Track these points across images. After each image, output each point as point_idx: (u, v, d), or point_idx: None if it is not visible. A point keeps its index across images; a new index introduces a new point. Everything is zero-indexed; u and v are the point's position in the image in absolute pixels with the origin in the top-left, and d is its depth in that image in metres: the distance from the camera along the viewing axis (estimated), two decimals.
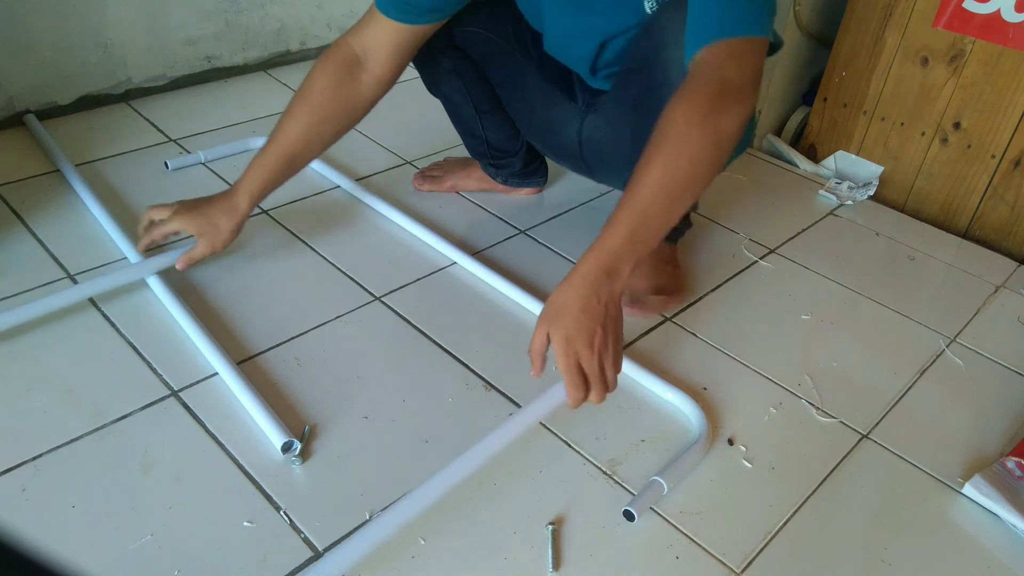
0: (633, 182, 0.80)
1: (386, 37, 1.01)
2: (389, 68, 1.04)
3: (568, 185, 1.47)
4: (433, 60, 1.17)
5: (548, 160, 1.41)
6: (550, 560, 0.81)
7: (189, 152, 1.48)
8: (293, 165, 1.07)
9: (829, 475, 0.95)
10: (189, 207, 1.08)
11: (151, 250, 1.16)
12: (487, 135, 1.29)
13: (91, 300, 1.09)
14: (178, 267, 1.08)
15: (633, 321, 1.16)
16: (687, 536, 0.85)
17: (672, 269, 1.21)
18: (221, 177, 1.41)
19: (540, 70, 1.16)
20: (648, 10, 0.97)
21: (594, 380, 0.79)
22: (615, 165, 1.17)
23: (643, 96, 0.99)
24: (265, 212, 1.33)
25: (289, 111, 1.04)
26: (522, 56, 1.16)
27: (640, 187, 0.79)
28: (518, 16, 1.12)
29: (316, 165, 1.45)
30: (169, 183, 1.38)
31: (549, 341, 0.79)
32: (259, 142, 1.50)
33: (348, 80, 1.02)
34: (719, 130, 0.78)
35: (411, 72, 1.92)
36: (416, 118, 1.69)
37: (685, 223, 1.20)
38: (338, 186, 1.41)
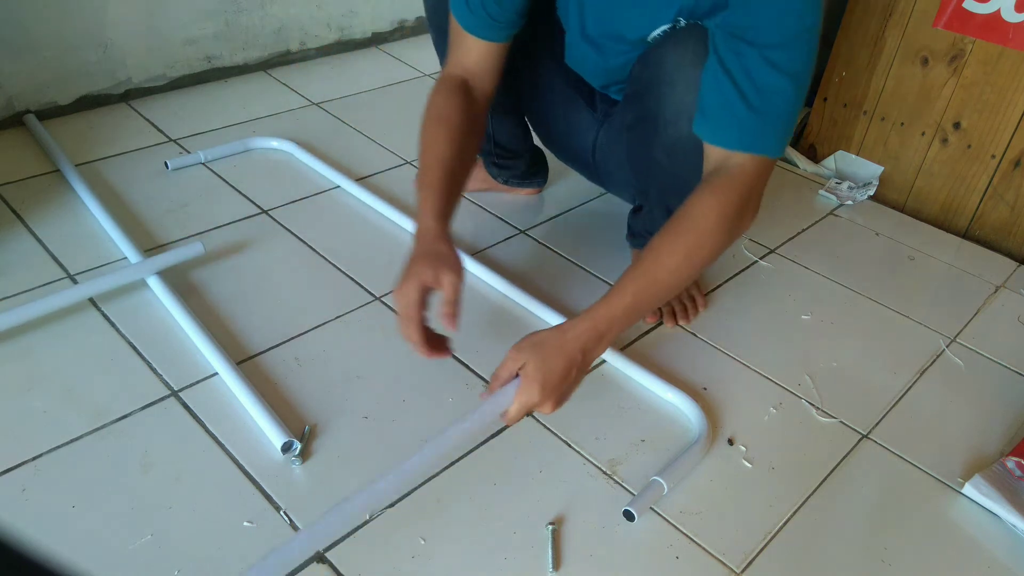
0: (651, 259, 0.85)
1: (482, 56, 1.02)
2: (492, 83, 1.05)
3: (568, 185, 1.47)
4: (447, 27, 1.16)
5: (549, 161, 1.41)
6: (550, 560, 0.81)
7: (189, 152, 1.48)
8: (456, 181, 0.97)
9: (829, 475, 0.95)
10: (409, 267, 0.88)
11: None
12: (496, 135, 1.30)
13: (91, 300, 1.09)
14: (452, 327, 0.86)
15: None
16: (687, 536, 0.85)
17: None
18: (221, 177, 1.41)
19: (566, 76, 1.16)
20: (650, 39, 0.98)
21: (517, 420, 0.82)
22: (620, 178, 1.19)
23: (636, 123, 1.04)
24: (265, 212, 1.33)
25: (427, 137, 0.99)
26: (552, 60, 1.16)
27: (657, 266, 0.85)
28: (555, 21, 1.12)
29: (316, 165, 1.45)
30: (169, 183, 1.38)
31: (517, 374, 0.81)
32: (259, 142, 1.51)
33: (467, 98, 1.02)
34: (736, 234, 0.87)
35: (411, 72, 1.92)
36: (416, 118, 1.68)
37: None
38: (338, 186, 1.41)
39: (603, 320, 0.83)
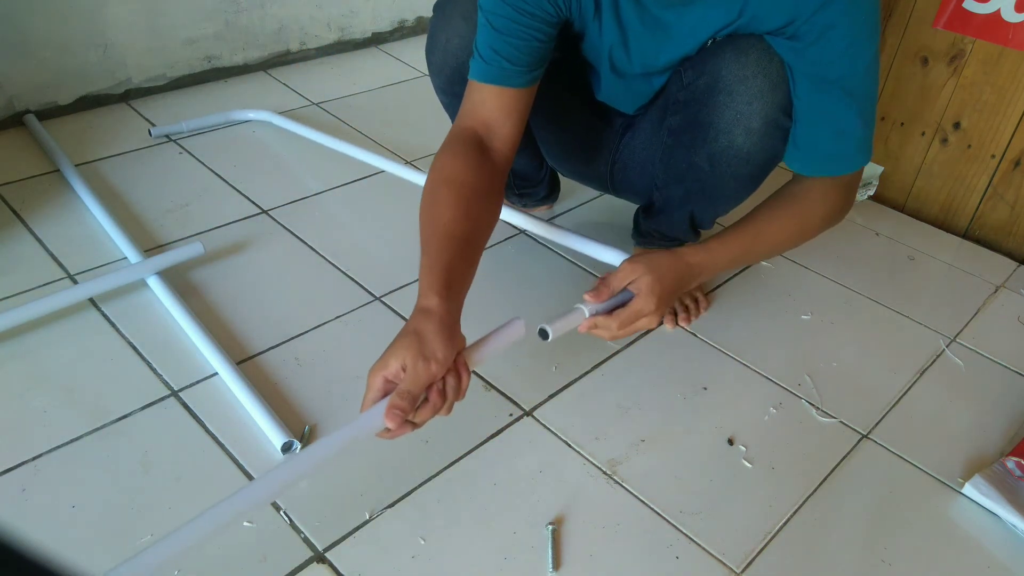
0: (761, 224, 0.95)
1: (501, 103, 0.92)
2: (513, 132, 0.94)
3: (567, 186, 1.47)
4: (462, 94, 1.06)
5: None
6: (550, 560, 0.81)
7: (189, 152, 1.48)
8: (466, 250, 0.83)
9: (829, 475, 0.95)
10: (387, 349, 0.77)
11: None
12: (516, 167, 1.25)
13: (91, 300, 1.09)
14: (390, 424, 0.72)
15: None
16: (687, 536, 0.85)
17: None
18: (221, 177, 1.41)
19: (582, 103, 1.13)
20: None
21: (629, 333, 0.88)
22: (639, 184, 1.17)
23: (683, 129, 1.02)
24: (265, 212, 1.33)
25: (429, 201, 0.86)
26: (567, 90, 1.13)
27: (766, 233, 0.95)
28: (570, 56, 1.08)
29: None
30: (169, 183, 1.38)
31: (624, 286, 0.87)
32: (242, 115, 1.54)
33: (481, 155, 0.91)
34: (831, 226, 0.99)
35: (411, 72, 1.92)
36: (416, 118, 1.69)
37: (696, 234, 1.21)
38: (338, 186, 1.41)
39: (708, 260, 0.92)
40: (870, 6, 0.83)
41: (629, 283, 0.87)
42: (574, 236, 1.23)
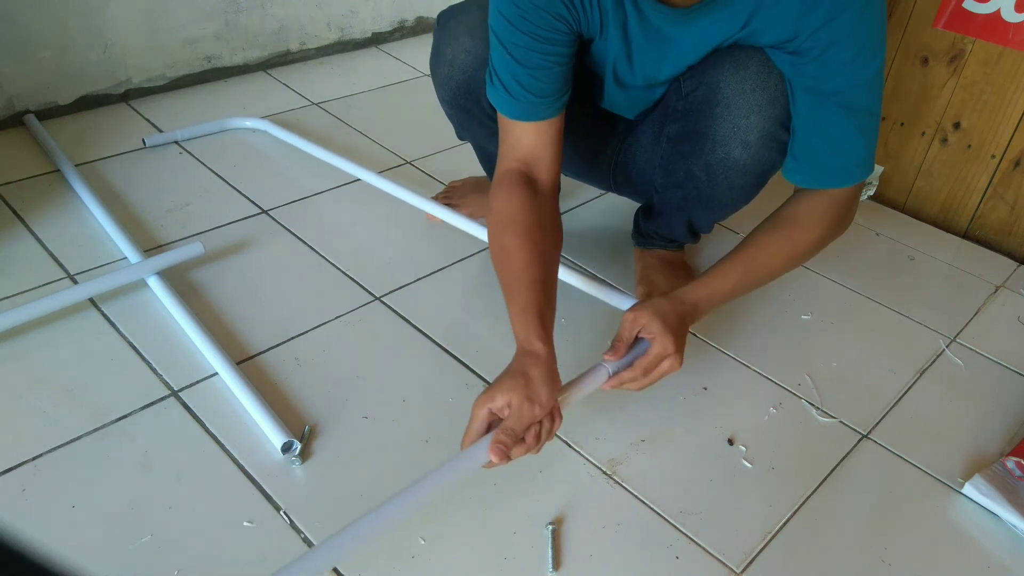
0: (755, 253, 0.94)
1: (537, 138, 0.94)
2: (555, 163, 0.97)
3: (568, 186, 1.47)
4: (468, 106, 1.10)
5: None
6: (550, 560, 0.81)
7: (189, 152, 1.48)
8: (547, 289, 0.88)
9: (829, 475, 0.95)
10: (494, 383, 0.81)
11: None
12: None
13: (91, 300, 1.09)
14: (493, 457, 0.77)
15: None
16: (687, 536, 0.85)
17: (685, 273, 1.22)
18: (221, 177, 1.41)
19: (586, 109, 1.12)
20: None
21: (656, 379, 0.88)
22: (641, 185, 1.17)
23: (682, 138, 1.02)
24: (265, 212, 1.33)
25: (498, 248, 0.91)
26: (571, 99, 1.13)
27: (760, 262, 0.94)
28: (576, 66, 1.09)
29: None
30: (169, 183, 1.38)
31: (637, 337, 0.88)
32: (236, 122, 1.54)
33: (531, 191, 0.93)
34: (824, 247, 0.98)
35: (411, 72, 1.92)
36: (416, 118, 1.69)
37: (695, 238, 1.21)
38: (338, 186, 1.41)
39: (704, 296, 0.91)
40: (875, 20, 0.82)
41: (639, 332, 0.87)
42: (576, 275, 1.19)
